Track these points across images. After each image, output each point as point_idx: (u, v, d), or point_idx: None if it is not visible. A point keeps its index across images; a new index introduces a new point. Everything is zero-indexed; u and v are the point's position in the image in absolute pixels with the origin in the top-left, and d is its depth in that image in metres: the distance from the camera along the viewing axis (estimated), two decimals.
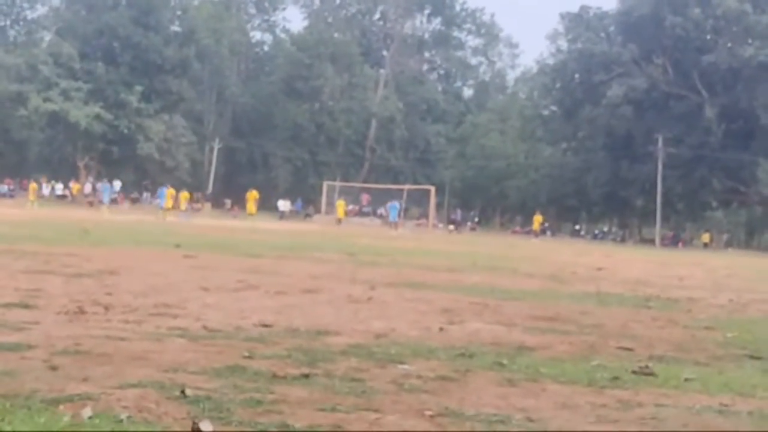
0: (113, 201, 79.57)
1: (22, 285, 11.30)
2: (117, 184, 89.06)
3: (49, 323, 8.18)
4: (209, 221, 57.31)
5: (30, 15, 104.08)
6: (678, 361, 8.11)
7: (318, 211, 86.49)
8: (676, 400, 6.30)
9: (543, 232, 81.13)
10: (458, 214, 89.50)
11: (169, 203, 59.53)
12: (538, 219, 75.29)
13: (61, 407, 4.91)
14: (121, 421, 4.72)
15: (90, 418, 4.72)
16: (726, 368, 7.81)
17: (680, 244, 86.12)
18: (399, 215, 71.71)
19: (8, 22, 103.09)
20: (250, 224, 53.89)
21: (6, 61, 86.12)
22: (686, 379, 7.06)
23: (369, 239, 40.86)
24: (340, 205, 74.35)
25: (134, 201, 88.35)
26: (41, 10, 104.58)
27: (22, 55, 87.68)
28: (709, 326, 11.17)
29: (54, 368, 6.04)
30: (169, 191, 60.54)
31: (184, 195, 62.98)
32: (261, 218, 67.12)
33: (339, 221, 70.07)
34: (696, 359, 8.26)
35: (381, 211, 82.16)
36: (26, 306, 9.35)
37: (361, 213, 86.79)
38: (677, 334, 10.27)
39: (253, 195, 61.14)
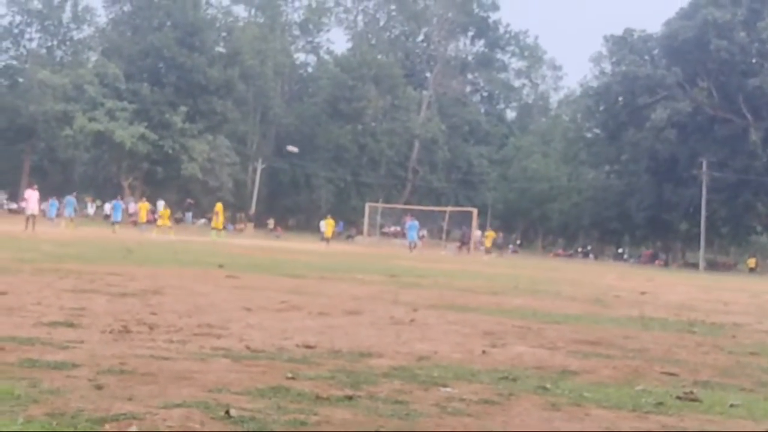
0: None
1: (68, 304, 11.38)
2: (161, 204, 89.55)
3: (95, 342, 8.23)
4: (248, 241, 57.38)
5: (76, 36, 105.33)
6: (723, 386, 8.03)
7: (360, 232, 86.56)
8: (721, 426, 6.25)
9: (495, 248, 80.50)
10: (500, 237, 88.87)
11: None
12: (491, 235, 73.00)
13: (107, 426, 4.94)
14: None
15: None
16: None
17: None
18: (419, 235, 67.99)
19: (55, 43, 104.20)
20: (213, 239, 52.64)
21: (52, 81, 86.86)
22: (731, 405, 6.99)
23: (410, 261, 40.82)
24: (329, 224, 68.69)
25: (177, 221, 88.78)
26: (87, 30, 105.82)
27: (68, 75, 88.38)
28: (755, 352, 11.06)
29: (99, 387, 6.07)
30: (143, 205, 59.87)
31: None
32: (304, 239, 66.98)
33: (327, 241, 64.75)
34: (741, 385, 8.18)
35: (423, 232, 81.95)
36: (71, 325, 9.41)
37: (403, 234, 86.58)
38: (722, 359, 10.18)
39: (219, 207, 58.98)
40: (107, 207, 67.48)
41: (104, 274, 17.16)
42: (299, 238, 76.02)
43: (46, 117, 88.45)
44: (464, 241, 74.66)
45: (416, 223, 64.84)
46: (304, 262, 30.13)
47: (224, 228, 61.00)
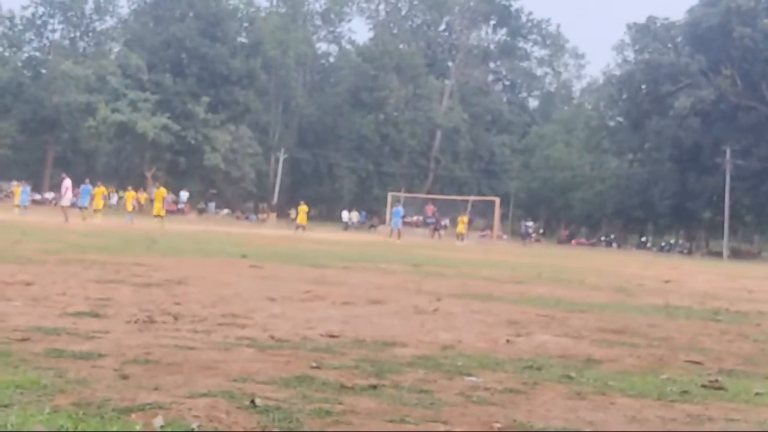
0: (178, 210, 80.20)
1: (93, 294, 11.42)
2: (184, 195, 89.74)
3: (120, 332, 8.25)
4: (270, 231, 57.35)
5: (99, 27, 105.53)
6: (748, 375, 8.00)
7: (382, 222, 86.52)
8: (746, 414, 6.23)
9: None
10: (525, 226, 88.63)
11: (99, 203, 54.04)
12: (463, 220, 71.45)
13: (133, 416, 4.95)
14: (193, 430, 4.75)
15: (162, 427, 4.76)
16: None
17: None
18: (402, 221, 65.39)
19: (78, 34, 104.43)
20: (156, 225, 48.04)
21: (75, 72, 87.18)
22: (757, 394, 6.96)
23: (432, 250, 40.79)
24: (302, 209, 63.81)
25: (201, 211, 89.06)
26: (110, 21, 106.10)
27: (91, 66, 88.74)
28: None
29: (125, 377, 6.09)
30: (99, 189, 55.02)
31: (130, 194, 58.63)
32: (325, 229, 66.86)
33: (301, 228, 60.60)
34: (766, 373, 8.15)
35: (445, 221, 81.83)
36: (97, 315, 9.44)
37: (425, 224, 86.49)
38: (747, 347, 10.14)
39: (161, 192, 54.26)
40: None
41: (129, 264, 17.20)
42: (322, 228, 76.06)
43: (69, 108, 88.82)
44: (437, 227, 74.67)
45: (401, 209, 64.58)
46: (327, 252, 30.16)
47: (165, 214, 56.14)
